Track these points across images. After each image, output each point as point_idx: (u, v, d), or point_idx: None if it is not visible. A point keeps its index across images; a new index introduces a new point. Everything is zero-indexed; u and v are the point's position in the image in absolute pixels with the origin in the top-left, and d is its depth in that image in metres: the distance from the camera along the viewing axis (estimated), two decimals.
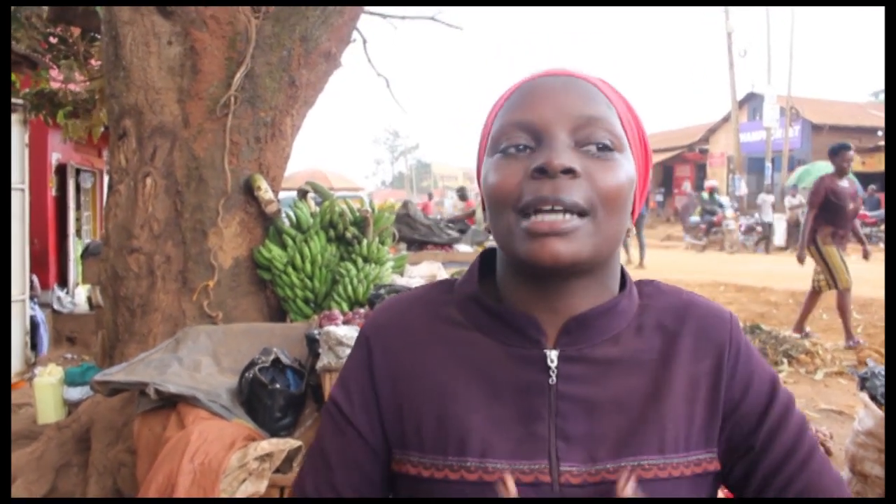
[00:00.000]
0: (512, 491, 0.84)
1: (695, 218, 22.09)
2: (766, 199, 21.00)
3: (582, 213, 0.86)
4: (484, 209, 0.95)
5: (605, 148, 0.89)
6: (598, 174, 0.87)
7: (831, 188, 7.37)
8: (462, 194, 19.14)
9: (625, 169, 0.90)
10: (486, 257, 1.04)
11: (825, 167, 21.85)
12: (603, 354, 0.92)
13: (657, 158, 31.94)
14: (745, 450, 0.94)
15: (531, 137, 0.89)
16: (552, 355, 0.91)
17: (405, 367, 0.96)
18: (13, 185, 6.51)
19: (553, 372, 0.91)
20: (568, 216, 0.85)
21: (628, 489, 0.83)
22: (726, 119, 30.38)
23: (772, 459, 0.94)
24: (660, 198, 35.72)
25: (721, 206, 21.46)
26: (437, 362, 0.95)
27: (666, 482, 0.89)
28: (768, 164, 26.69)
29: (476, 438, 0.90)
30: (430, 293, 1.03)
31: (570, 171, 0.85)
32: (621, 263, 1.00)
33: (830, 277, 7.46)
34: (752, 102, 31.08)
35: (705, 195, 21.98)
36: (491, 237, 0.96)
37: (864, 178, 21.07)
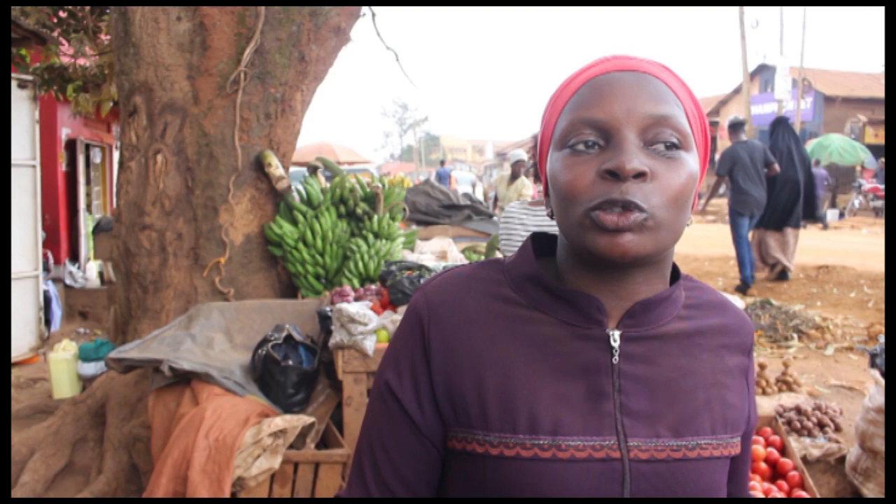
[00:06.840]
0: None
1: None
2: None
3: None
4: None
5: (672, 146, 0.91)
6: (665, 174, 0.89)
7: None
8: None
9: (690, 167, 0.92)
10: (536, 240, 1.07)
11: (838, 140, 21.73)
12: (661, 336, 0.97)
13: None
14: (744, 446, 1.07)
15: (600, 135, 0.91)
16: (615, 335, 0.95)
17: (463, 344, 0.96)
18: (24, 162, 6.52)
19: (616, 351, 0.94)
20: (637, 213, 0.87)
21: None
22: (737, 91, 30.03)
23: (744, 457, 1.08)
24: None
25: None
26: (497, 340, 0.96)
27: (717, 461, 0.95)
28: None
29: (546, 416, 0.91)
30: (481, 272, 1.03)
31: (640, 175, 0.87)
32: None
33: None
34: (763, 74, 30.69)
35: None
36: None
37: (877, 150, 20.84)
